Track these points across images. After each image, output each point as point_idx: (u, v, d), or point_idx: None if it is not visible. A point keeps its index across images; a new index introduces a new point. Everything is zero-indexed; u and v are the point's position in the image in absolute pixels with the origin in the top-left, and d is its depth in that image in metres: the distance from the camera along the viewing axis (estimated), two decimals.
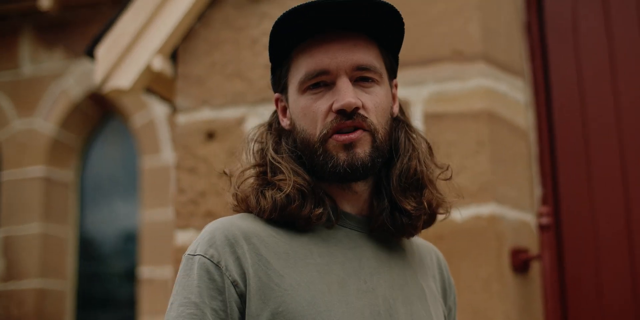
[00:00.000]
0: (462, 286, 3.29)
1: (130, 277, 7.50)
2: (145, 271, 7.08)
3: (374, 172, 1.83)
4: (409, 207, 1.83)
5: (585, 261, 3.61)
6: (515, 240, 3.43)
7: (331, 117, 1.76)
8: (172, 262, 3.74)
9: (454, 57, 3.50)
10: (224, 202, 3.66)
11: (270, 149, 1.85)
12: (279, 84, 1.89)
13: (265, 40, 3.75)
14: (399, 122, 1.91)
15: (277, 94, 1.92)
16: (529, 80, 3.82)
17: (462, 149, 3.41)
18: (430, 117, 3.46)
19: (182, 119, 3.83)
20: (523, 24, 3.85)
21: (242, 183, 1.85)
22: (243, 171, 1.87)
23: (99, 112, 7.91)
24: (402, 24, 1.83)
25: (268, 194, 1.78)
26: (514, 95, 3.61)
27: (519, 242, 3.46)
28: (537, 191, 3.69)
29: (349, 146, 1.76)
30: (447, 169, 1.96)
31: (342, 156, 1.76)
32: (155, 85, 4.07)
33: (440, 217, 1.95)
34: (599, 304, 3.56)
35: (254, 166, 1.86)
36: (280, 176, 1.79)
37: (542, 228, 3.42)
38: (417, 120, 3.46)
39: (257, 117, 3.69)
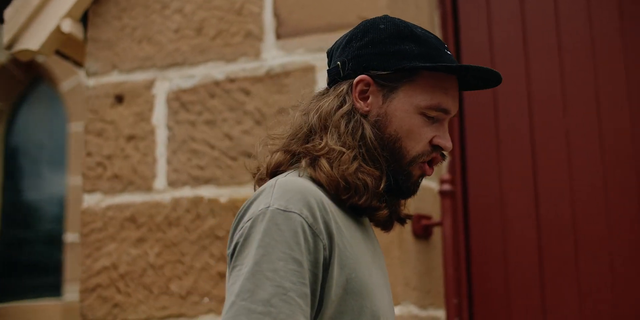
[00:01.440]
0: None
1: (56, 242, 7.46)
2: (71, 237, 7.04)
3: None
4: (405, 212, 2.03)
5: (491, 228, 3.66)
6: (418, 206, 3.47)
7: (428, 147, 1.89)
8: (80, 225, 3.72)
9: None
10: (131, 165, 3.67)
11: (372, 136, 1.90)
12: (389, 80, 1.92)
13: (175, 5, 3.73)
14: None
15: (368, 78, 1.93)
16: None
17: None
18: None
19: (91, 82, 3.81)
20: None
21: (342, 162, 1.86)
22: (343, 151, 1.88)
23: (27, 77, 7.82)
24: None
25: (370, 183, 1.85)
26: None
27: (422, 209, 3.49)
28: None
29: (423, 176, 1.92)
30: None
31: (414, 181, 1.90)
32: (67, 49, 4.04)
33: None
34: (504, 270, 3.61)
35: (352, 148, 1.89)
36: (377, 172, 1.87)
37: (443, 194, 3.45)
38: (319, 87, 3.48)
39: (165, 81, 3.68)
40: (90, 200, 3.69)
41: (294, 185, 1.77)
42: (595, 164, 3.61)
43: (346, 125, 1.90)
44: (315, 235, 1.72)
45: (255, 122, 3.53)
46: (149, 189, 3.62)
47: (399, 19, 1.99)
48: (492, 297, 3.61)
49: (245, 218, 1.75)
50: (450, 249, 3.44)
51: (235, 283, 1.67)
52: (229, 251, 1.77)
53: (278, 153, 1.93)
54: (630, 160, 3.59)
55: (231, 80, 3.60)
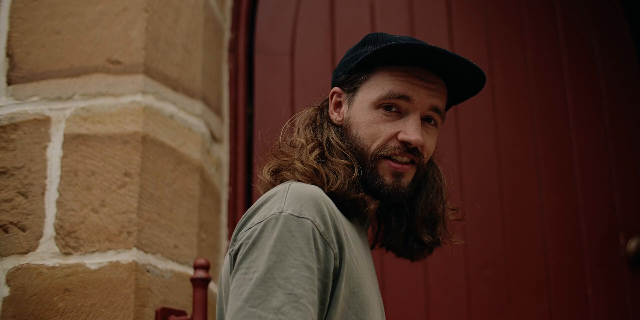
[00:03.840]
0: None
1: None
2: None
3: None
4: (425, 239, 2.01)
5: None
6: (167, 297, 2.75)
7: (394, 143, 1.86)
8: None
9: (108, 68, 2.84)
10: None
11: (335, 136, 1.91)
12: (350, 84, 1.95)
13: None
14: (431, 159, 2.04)
15: (338, 88, 1.99)
16: (226, 109, 3.20)
17: (105, 180, 2.73)
18: (72, 140, 2.78)
19: None
20: (227, 40, 3.25)
21: (308, 155, 1.88)
22: (303, 143, 1.92)
23: None
24: (477, 92, 1.98)
25: (340, 171, 1.83)
26: (185, 119, 2.95)
27: (174, 300, 2.77)
28: (221, 240, 3.03)
29: (398, 175, 1.88)
30: (456, 210, 2.12)
31: (388, 180, 1.87)
32: None
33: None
34: None
35: (317, 144, 1.91)
36: (346, 161, 1.86)
37: (195, 283, 2.71)
38: (56, 143, 2.78)
39: None
40: None
41: (308, 190, 1.72)
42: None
43: (309, 129, 1.94)
44: (326, 243, 1.67)
45: None
46: None
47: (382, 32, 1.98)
48: None
49: (255, 219, 1.70)
50: None
51: (242, 287, 1.61)
52: (232, 250, 1.73)
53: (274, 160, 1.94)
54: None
55: None
